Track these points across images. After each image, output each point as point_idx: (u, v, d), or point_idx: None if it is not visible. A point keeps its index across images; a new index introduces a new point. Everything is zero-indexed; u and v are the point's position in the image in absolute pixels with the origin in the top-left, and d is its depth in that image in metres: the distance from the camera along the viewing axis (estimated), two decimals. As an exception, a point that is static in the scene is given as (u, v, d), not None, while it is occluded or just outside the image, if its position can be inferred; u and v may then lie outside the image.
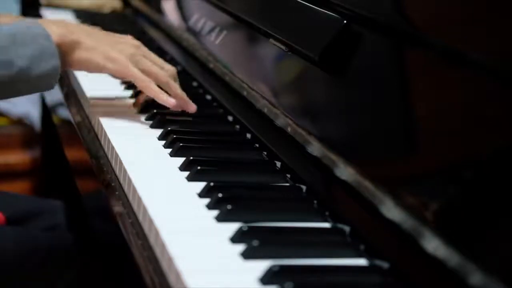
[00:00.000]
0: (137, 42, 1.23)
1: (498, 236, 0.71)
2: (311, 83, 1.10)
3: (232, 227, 0.84)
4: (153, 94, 1.17)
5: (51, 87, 1.14)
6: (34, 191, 2.35)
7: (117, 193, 1.00)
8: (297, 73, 1.14)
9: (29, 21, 1.19)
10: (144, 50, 1.22)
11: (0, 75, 1.07)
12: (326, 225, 0.89)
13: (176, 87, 1.20)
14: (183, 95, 1.20)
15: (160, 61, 1.23)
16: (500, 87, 0.79)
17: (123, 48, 1.19)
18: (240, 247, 0.80)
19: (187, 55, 1.52)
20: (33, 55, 1.09)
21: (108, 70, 1.18)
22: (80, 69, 1.20)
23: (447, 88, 0.86)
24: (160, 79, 1.19)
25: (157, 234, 0.83)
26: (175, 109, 1.20)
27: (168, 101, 1.17)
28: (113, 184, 1.03)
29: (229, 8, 1.40)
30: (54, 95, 1.62)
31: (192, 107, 1.21)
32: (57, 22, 1.17)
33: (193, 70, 1.45)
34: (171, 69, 1.23)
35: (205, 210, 0.90)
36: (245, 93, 1.22)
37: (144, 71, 1.18)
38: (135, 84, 1.19)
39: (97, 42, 1.17)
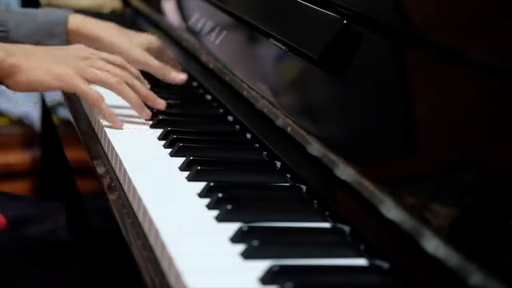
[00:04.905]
0: (86, 53, 1.21)
1: (498, 236, 0.71)
2: (311, 83, 1.10)
3: (232, 227, 0.84)
4: (102, 114, 1.16)
5: None
6: (34, 191, 2.35)
7: (117, 193, 1.00)
8: (297, 73, 1.14)
9: None
10: (94, 59, 1.19)
11: None
12: (326, 225, 0.89)
13: (127, 92, 1.18)
14: (137, 99, 1.19)
15: (115, 66, 1.20)
16: (500, 87, 0.79)
17: (68, 61, 1.16)
18: (240, 247, 0.80)
19: (187, 55, 1.52)
20: None
21: (55, 88, 1.16)
22: (27, 90, 1.17)
23: (447, 88, 0.85)
24: (111, 87, 1.17)
25: (157, 234, 0.83)
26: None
27: (117, 124, 1.16)
28: (113, 184, 1.03)
29: (229, 8, 1.40)
30: (54, 95, 1.62)
31: (145, 115, 1.20)
32: None
33: (193, 70, 1.45)
34: (128, 73, 1.20)
35: (205, 210, 0.90)
36: (245, 93, 1.22)
37: (94, 81, 1.16)
38: (86, 100, 1.18)
39: (38, 61, 1.15)
